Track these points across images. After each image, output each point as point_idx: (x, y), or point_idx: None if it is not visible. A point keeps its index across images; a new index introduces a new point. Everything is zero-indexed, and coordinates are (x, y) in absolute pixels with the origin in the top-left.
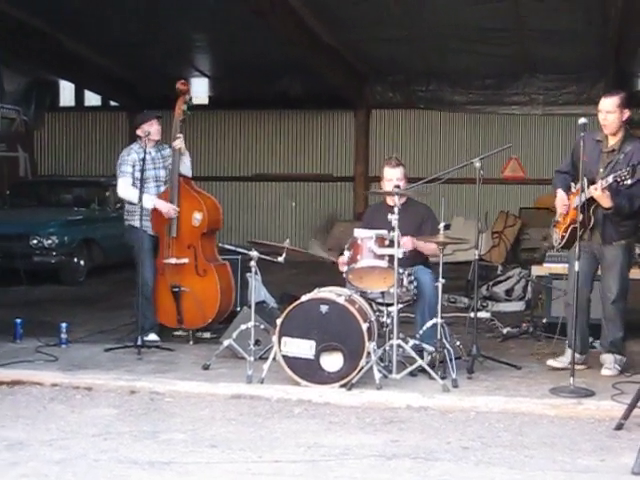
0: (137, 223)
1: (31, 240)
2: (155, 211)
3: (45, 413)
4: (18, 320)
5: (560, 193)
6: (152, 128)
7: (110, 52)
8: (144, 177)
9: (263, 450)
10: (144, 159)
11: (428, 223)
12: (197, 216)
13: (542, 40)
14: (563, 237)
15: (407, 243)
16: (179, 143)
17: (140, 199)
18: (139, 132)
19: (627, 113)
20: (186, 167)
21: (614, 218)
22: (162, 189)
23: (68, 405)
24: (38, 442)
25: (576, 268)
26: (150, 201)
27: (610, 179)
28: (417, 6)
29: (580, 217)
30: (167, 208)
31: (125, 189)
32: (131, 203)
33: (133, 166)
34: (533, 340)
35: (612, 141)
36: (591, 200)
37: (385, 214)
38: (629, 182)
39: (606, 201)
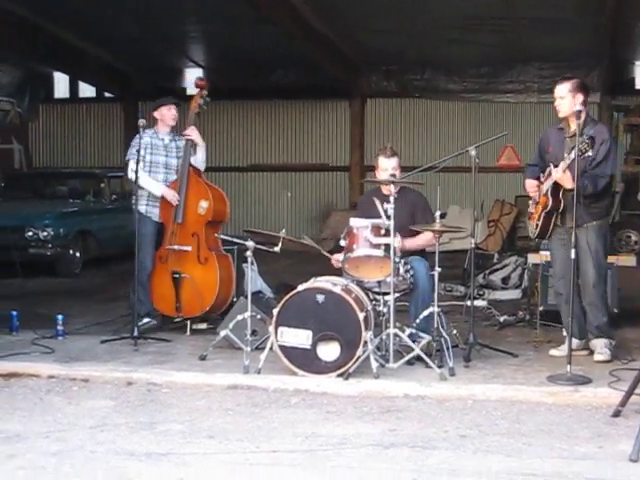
0: (143, 208)
1: (26, 232)
2: (164, 199)
3: (42, 405)
4: (14, 312)
5: (528, 181)
6: (169, 112)
7: (104, 43)
8: (155, 161)
9: (260, 440)
10: (148, 144)
11: (420, 211)
12: (203, 204)
13: (537, 28)
14: (537, 225)
15: (397, 244)
16: (191, 131)
17: (136, 179)
18: (156, 114)
19: (581, 97)
20: (199, 161)
21: (584, 200)
22: (172, 177)
23: (65, 397)
24: (35, 434)
25: (572, 256)
26: (158, 190)
27: (572, 155)
28: None
29: (550, 202)
30: (172, 197)
31: (132, 172)
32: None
33: (145, 148)
34: (530, 328)
35: (574, 126)
36: (558, 184)
37: (380, 203)
38: (590, 153)
39: (568, 182)
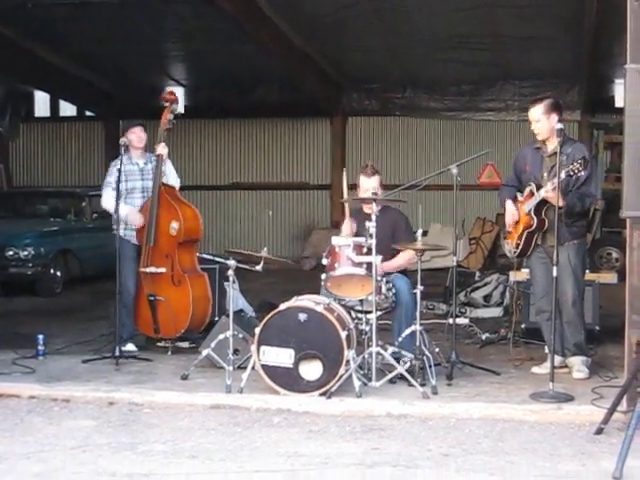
0: (121, 232)
1: (7, 251)
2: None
3: (22, 426)
4: None
5: (508, 205)
6: (134, 136)
7: (85, 62)
8: (131, 187)
9: (243, 460)
10: (120, 170)
11: (401, 229)
12: (174, 225)
13: (517, 47)
14: (518, 245)
15: (378, 267)
16: (161, 149)
17: (117, 207)
18: (121, 141)
19: (555, 117)
20: (172, 176)
21: (566, 220)
22: None
23: (46, 417)
24: (16, 455)
25: (554, 273)
26: (123, 210)
27: (563, 175)
28: (393, 15)
29: (534, 221)
30: (134, 220)
31: (106, 200)
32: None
33: (118, 176)
34: (512, 346)
35: (551, 145)
36: (542, 203)
37: (363, 221)
38: (583, 174)
39: (558, 200)
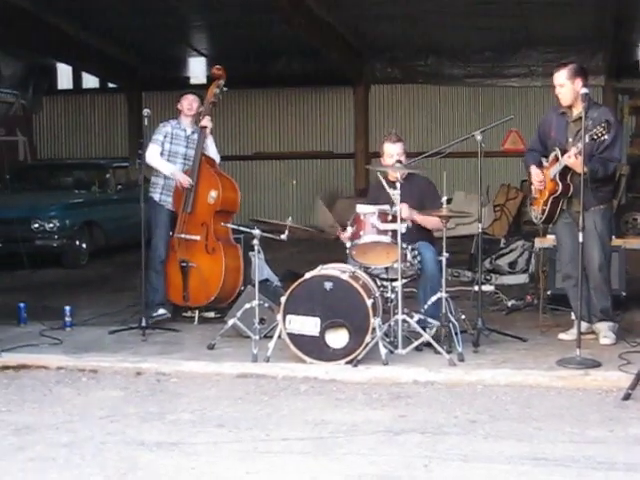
0: (157, 196)
1: (32, 224)
2: (177, 188)
3: (51, 397)
4: (22, 304)
5: (533, 169)
6: (185, 102)
7: (107, 34)
8: (174, 151)
9: (270, 428)
10: (169, 133)
11: (429, 197)
12: (212, 194)
13: (540, 12)
14: (544, 211)
15: (404, 212)
16: (206, 122)
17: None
18: (178, 106)
19: (580, 82)
20: (212, 151)
21: (591, 185)
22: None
23: (74, 388)
24: (45, 426)
25: (580, 239)
26: (169, 169)
27: (587, 139)
28: None
29: (560, 187)
30: (183, 178)
31: (152, 155)
32: (155, 173)
33: (165, 137)
34: (538, 312)
35: (576, 110)
36: (566, 168)
37: (387, 190)
38: (607, 137)
39: (580, 167)
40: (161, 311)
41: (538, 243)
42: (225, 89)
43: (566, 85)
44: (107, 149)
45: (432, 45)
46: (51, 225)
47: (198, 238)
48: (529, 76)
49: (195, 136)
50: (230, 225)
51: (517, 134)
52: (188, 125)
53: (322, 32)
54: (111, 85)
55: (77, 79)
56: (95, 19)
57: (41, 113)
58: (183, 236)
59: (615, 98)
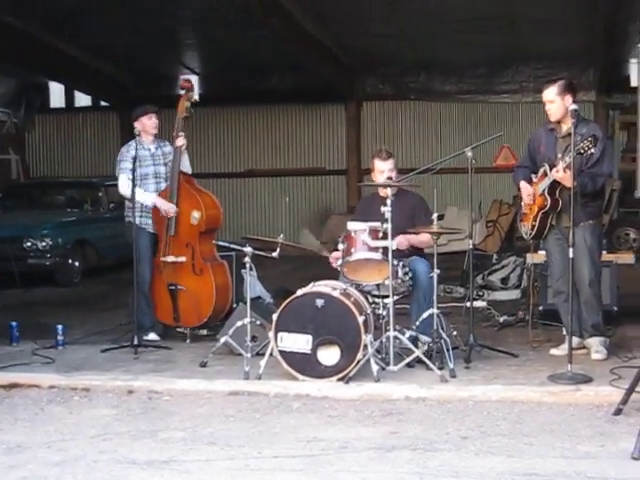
0: (137, 220)
1: (25, 242)
2: (156, 209)
3: (43, 415)
4: (14, 323)
5: (522, 183)
6: (150, 121)
7: (100, 52)
8: (144, 173)
9: (262, 446)
10: (135, 157)
11: (421, 213)
12: (195, 215)
13: (532, 28)
14: (533, 226)
15: (401, 243)
16: (181, 141)
17: (133, 195)
18: (136, 124)
19: (570, 98)
20: (186, 165)
21: (580, 199)
22: (162, 186)
23: (66, 407)
24: (37, 444)
25: (571, 255)
26: (150, 199)
27: (573, 154)
28: None
29: (548, 202)
30: (167, 207)
31: (124, 186)
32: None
33: (133, 162)
34: (530, 328)
35: (565, 126)
36: (555, 183)
37: (378, 205)
38: (593, 151)
39: (569, 181)
40: (152, 336)
41: (529, 259)
42: (195, 101)
43: (556, 101)
44: (99, 167)
45: (424, 61)
46: (44, 244)
47: (184, 259)
48: (520, 92)
49: (159, 152)
50: (222, 242)
51: (509, 150)
52: (150, 143)
53: (313, 48)
54: (103, 103)
55: (69, 97)
56: (88, 37)
57: (33, 131)
58: (169, 259)
59: (606, 113)
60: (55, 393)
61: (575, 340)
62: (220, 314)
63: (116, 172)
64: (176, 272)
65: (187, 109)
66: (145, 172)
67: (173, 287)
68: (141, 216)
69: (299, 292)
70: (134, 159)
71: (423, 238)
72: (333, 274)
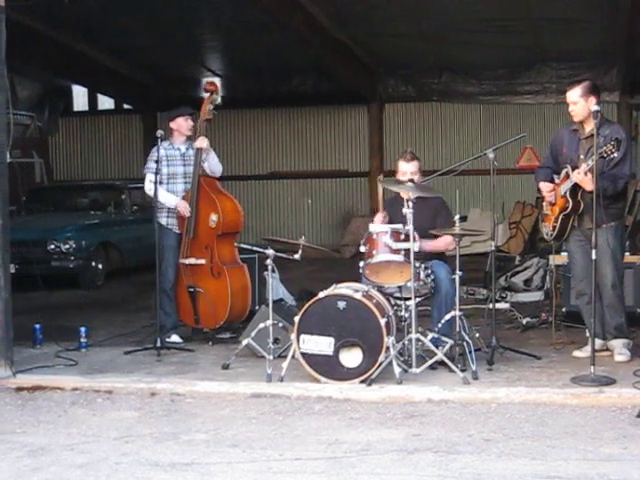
0: (164, 220)
1: (48, 245)
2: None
3: (66, 417)
4: (37, 326)
5: (542, 184)
6: (186, 123)
7: (122, 55)
8: (173, 173)
9: (284, 448)
10: (159, 157)
11: (442, 215)
12: (213, 217)
13: (554, 28)
14: (554, 227)
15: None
16: (201, 142)
17: (155, 195)
18: (172, 124)
19: (593, 100)
20: (213, 165)
21: (602, 201)
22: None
23: (89, 409)
24: (60, 447)
25: (593, 256)
26: (172, 200)
27: (596, 157)
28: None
29: (570, 204)
30: (184, 209)
31: (149, 186)
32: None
33: (157, 162)
34: (553, 330)
35: (588, 128)
36: (577, 186)
37: (400, 207)
38: (616, 155)
39: (589, 184)
40: (174, 338)
41: (553, 260)
42: (219, 102)
43: (579, 103)
44: (123, 170)
45: (446, 63)
46: (67, 246)
47: (203, 262)
48: (543, 93)
49: (190, 152)
50: (243, 245)
51: (532, 151)
52: (182, 143)
53: (336, 51)
54: (126, 106)
55: (92, 101)
56: (110, 40)
57: (57, 135)
58: (188, 261)
59: (629, 114)
60: (78, 395)
61: (598, 342)
62: (240, 316)
63: (143, 171)
64: (195, 274)
65: (210, 111)
66: (174, 171)
67: (192, 289)
68: (168, 216)
69: (321, 294)
70: (163, 158)
71: (439, 244)
72: (355, 276)
